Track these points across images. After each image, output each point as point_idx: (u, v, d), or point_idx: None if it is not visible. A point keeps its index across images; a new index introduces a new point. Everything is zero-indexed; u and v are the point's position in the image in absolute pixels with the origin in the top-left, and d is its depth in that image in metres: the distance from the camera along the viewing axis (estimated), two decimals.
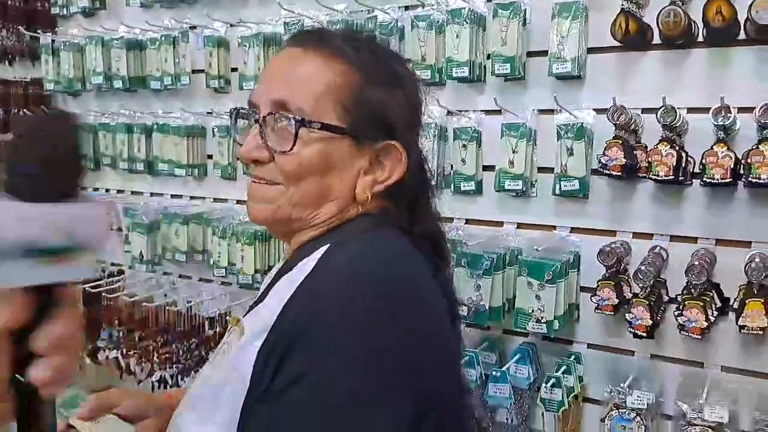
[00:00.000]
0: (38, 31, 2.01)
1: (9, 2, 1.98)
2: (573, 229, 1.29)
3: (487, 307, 1.26)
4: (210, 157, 1.79)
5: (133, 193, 2.00)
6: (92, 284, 1.90)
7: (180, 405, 0.77)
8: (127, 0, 1.85)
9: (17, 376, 0.52)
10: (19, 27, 1.99)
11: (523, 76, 1.29)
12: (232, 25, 1.69)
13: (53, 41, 1.98)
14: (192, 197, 1.85)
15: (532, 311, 1.21)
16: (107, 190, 2.07)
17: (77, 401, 0.92)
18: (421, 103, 0.85)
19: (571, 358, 1.26)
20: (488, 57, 1.31)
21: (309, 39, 0.79)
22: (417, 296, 0.72)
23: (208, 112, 1.77)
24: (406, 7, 1.43)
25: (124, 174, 1.96)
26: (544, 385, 1.23)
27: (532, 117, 1.28)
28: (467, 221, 1.42)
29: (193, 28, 1.75)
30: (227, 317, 1.77)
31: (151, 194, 1.95)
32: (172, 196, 1.89)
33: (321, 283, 0.69)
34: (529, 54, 1.29)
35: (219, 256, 1.65)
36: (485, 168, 1.37)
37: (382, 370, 0.64)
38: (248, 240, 1.56)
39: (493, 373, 1.24)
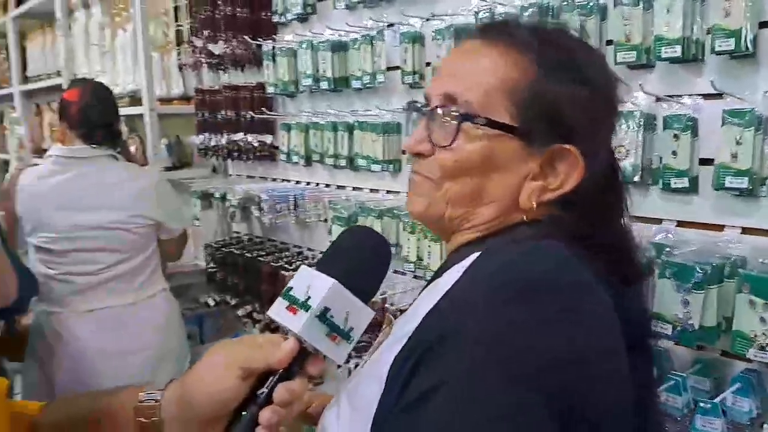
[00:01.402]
0: (261, 38, 2.22)
1: (237, 14, 2.21)
2: None
3: (696, 326, 1.08)
4: (404, 152, 1.82)
5: (338, 187, 2.12)
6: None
7: (329, 405, 0.79)
8: (333, 3, 1.95)
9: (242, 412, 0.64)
10: (246, 36, 2.21)
11: (752, 53, 1.07)
12: (427, 20, 1.69)
13: (273, 47, 2.17)
14: (388, 191, 1.90)
15: (755, 336, 1.00)
16: (317, 184, 2.22)
17: None
18: (615, 104, 0.76)
19: None
20: (708, 32, 1.12)
21: (490, 30, 0.75)
22: (568, 309, 0.63)
23: (402, 108, 1.79)
24: None
25: (330, 169, 2.09)
26: None
27: (763, 101, 1.06)
28: (679, 223, 1.23)
29: (390, 25, 1.78)
30: None
31: (353, 188, 2.04)
32: (371, 190, 1.96)
33: (464, 293, 0.65)
34: (762, 25, 1.06)
35: (408, 251, 1.66)
36: (702, 162, 1.18)
37: (521, 387, 0.58)
38: (435, 236, 1.55)
39: (702, 405, 1.06)
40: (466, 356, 0.60)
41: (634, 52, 1.21)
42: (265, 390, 0.64)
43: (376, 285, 0.72)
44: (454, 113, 0.70)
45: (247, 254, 2.35)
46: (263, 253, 2.32)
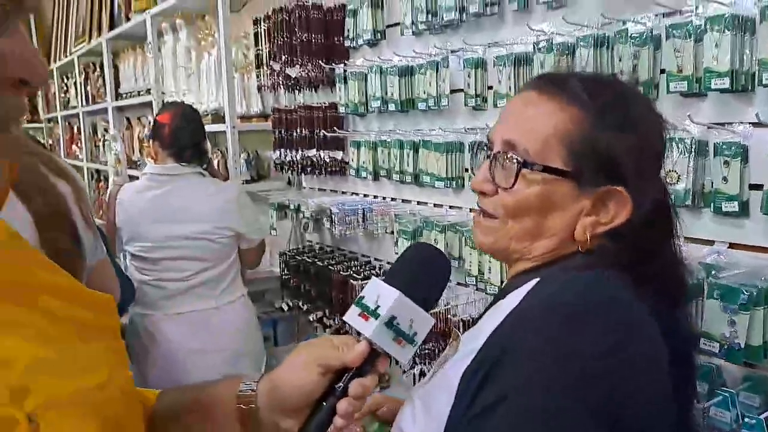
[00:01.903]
0: (335, 62, 2.37)
1: (313, 40, 2.38)
2: None
3: (742, 345, 1.13)
4: (467, 170, 1.92)
5: (403, 201, 2.24)
6: (369, 280, 2.19)
7: (403, 405, 0.89)
8: (401, 30, 2.08)
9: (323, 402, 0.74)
10: (320, 61, 2.37)
11: None
12: (489, 46, 1.78)
13: (345, 71, 2.32)
14: (451, 206, 2.01)
15: None
16: (384, 198, 2.34)
17: None
18: (661, 145, 0.83)
19: None
20: (758, 64, 1.17)
21: (545, 83, 0.83)
22: (614, 326, 0.71)
23: (467, 129, 1.89)
24: (664, 15, 1.34)
25: (396, 184, 2.21)
26: None
27: None
28: (730, 245, 1.28)
29: (454, 51, 1.89)
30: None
31: (418, 203, 2.16)
32: (434, 205, 2.07)
33: (523, 316, 0.75)
34: None
35: (470, 265, 1.76)
36: (752, 187, 1.22)
37: (574, 397, 0.67)
38: None
39: (747, 419, 1.11)
40: (522, 372, 0.69)
41: (686, 82, 1.27)
42: (341, 384, 0.73)
43: (437, 295, 0.80)
44: (514, 159, 0.79)
45: (318, 263, 2.50)
46: (333, 262, 2.47)
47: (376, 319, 0.73)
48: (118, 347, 0.66)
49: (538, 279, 0.78)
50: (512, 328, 0.75)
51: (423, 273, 0.78)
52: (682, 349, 0.82)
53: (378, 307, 0.73)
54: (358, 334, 0.75)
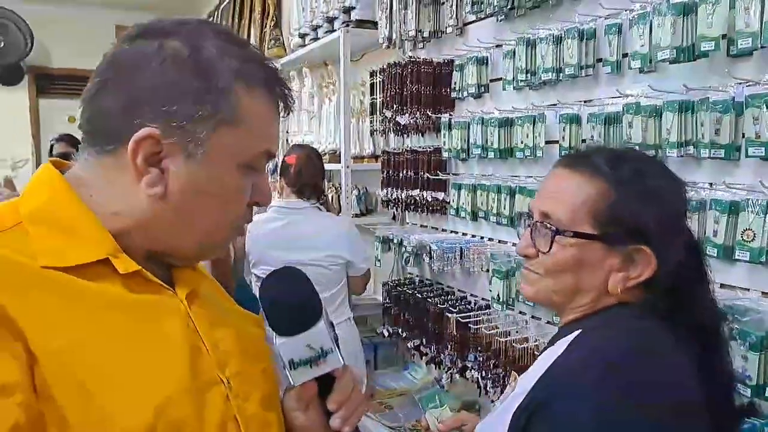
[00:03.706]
0: (441, 110, 2.60)
1: (422, 91, 2.62)
2: None
3: None
4: None
5: (499, 241, 2.40)
6: (463, 315, 2.37)
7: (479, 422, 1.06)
8: (503, 85, 2.27)
9: None
10: (428, 110, 2.61)
11: None
12: (583, 104, 1.93)
13: (450, 119, 2.54)
14: None
15: None
16: (481, 237, 2.52)
17: (435, 397, 1.32)
18: (684, 205, 0.96)
19: None
20: None
21: (573, 160, 1.00)
22: (647, 377, 0.84)
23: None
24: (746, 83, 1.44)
25: (493, 225, 2.38)
26: None
27: None
28: None
29: (551, 106, 2.05)
30: None
31: (513, 244, 2.31)
32: None
33: (565, 363, 0.88)
34: None
35: None
36: None
37: None
38: None
39: None
40: (562, 415, 0.82)
41: (763, 148, 1.36)
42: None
43: (305, 304, 0.83)
44: (549, 227, 0.94)
45: (417, 294, 2.69)
46: (431, 295, 2.65)
47: (286, 369, 0.82)
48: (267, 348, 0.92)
49: (580, 330, 0.92)
50: (553, 377, 0.88)
51: (282, 310, 0.82)
52: (721, 389, 0.93)
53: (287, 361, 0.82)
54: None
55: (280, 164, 2.73)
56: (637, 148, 1.31)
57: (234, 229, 0.82)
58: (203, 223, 0.77)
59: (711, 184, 1.49)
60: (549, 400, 0.85)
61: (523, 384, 0.94)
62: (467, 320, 2.34)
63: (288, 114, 0.82)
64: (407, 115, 2.67)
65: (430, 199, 2.68)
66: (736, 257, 1.37)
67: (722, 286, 1.44)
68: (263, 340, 0.92)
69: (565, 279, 0.95)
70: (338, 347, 0.83)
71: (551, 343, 0.99)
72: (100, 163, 0.74)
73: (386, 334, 2.93)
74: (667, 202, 0.94)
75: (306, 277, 0.88)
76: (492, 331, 2.22)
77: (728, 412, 0.96)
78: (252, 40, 4.76)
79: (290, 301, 0.83)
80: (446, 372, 2.50)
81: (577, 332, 0.93)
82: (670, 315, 0.92)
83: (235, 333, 0.83)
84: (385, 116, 2.81)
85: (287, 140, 3.51)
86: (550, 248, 0.94)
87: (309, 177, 2.56)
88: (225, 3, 5.54)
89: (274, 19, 4.38)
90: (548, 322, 2.10)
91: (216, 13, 5.85)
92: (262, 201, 0.83)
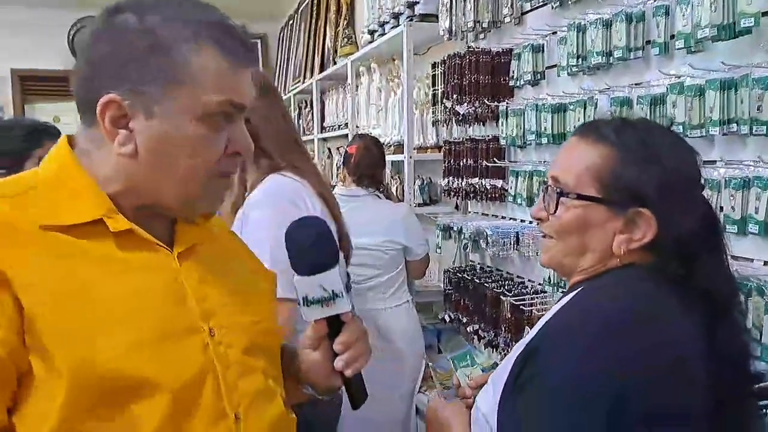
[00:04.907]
0: (499, 100, 2.65)
1: (480, 81, 2.67)
2: None
3: None
4: None
5: None
6: (517, 298, 2.41)
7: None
8: (558, 71, 2.29)
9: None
10: (485, 99, 2.66)
11: None
12: (633, 87, 1.93)
13: (507, 107, 2.58)
14: None
15: None
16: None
17: (466, 356, 1.36)
18: (695, 172, 0.99)
19: None
20: None
21: (586, 129, 1.05)
22: (635, 327, 0.88)
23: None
24: None
25: None
26: None
27: None
28: None
29: (602, 91, 2.06)
30: None
31: None
32: None
33: (561, 315, 0.95)
34: None
35: None
36: None
37: (589, 379, 0.86)
38: None
39: None
40: (551, 357, 0.89)
41: None
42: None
43: (326, 250, 0.92)
44: (556, 190, 1.00)
45: (476, 280, 2.75)
46: (490, 281, 2.70)
47: (300, 306, 0.91)
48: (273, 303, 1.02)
49: (580, 289, 0.98)
50: (549, 326, 0.95)
51: (301, 251, 0.91)
52: (730, 356, 0.94)
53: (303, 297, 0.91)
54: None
55: (344, 154, 2.88)
56: (674, 127, 1.31)
57: (210, 178, 0.85)
58: (175, 174, 0.83)
59: (755, 161, 1.47)
60: (540, 346, 0.92)
61: (526, 338, 1.00)
62: (521, 303, 2.38)
63: (252, 64, 0.87)
64: (466, 104, 2.73)
65: (489, 187, 2.73)
66: None
67: (765, 263, 1.43)
68: (269, 295, 1.02)
69: (572, 240, 1.00)
70: (350, 294, 0.93)
71: (557, 301, 1.04)
72: (90, 133, 0.84)
73: (447, 319, 3.00)
74: (671, 168, 0.97)
75: (327, 228, 0.95)
76: (543, 313, 2.25)
77: (737, 385, 0.96)
78: (327, 40, 4.95)
79: (308, 244, 0.91)
80: (501, 354, 2.54)
81: (578, 290, 0.98)
82: (682, 280, 0.94)
83: (231, 287, 0.91)
84: (446, 106, 2.89)
85: (358, 134, 3.65)
86: (555, 210, 1.00)
87: (366, 167, 2.69)
88: (304, 5, 5.77)
89: (347, 18, 4.54)
90: None
91: (295, 17, 6.11)
92: (239, 150, 0.87)
